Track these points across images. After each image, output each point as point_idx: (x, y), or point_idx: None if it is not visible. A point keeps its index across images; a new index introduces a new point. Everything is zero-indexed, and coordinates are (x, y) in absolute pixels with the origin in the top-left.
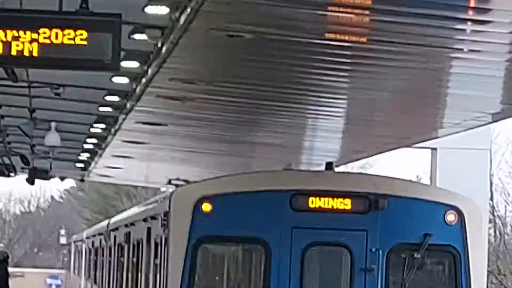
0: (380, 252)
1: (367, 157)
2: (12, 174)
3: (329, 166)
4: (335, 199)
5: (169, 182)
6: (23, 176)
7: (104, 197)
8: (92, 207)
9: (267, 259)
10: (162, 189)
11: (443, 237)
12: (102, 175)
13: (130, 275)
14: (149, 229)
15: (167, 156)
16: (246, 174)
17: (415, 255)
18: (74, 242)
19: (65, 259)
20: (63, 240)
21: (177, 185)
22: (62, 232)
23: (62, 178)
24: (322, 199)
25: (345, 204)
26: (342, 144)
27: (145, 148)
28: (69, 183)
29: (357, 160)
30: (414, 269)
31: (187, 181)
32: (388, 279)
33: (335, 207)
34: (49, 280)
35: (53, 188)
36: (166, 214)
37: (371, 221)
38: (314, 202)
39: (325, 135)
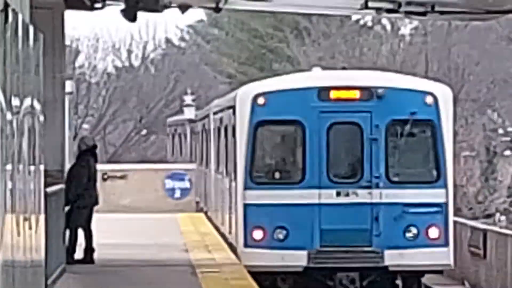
0: (381, 126)
1: None
2: (98, 4)
3: (343, 68)
4: (348, 91)
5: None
6: (116, 8)
7: (256, 36)
8: (236, 53)
9: (303, 134)
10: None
11: (424, 113)
12: None
13: (223, 153)
14: (229, 116)
15: None
16: (284, 76)
17: (405, 127)
18: (191, 122)
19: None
20: (189, 113)
21: None
22: (188, 98)
23: (183, 8)
24: (339, 91)
25: (355, 94)
26: None
27: None
28: (196, 15)
29: None
30: (405, 136)
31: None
32: (387, 144)
33: (348, 97)
34: (169, 182)
35: (168, 25)
36: (233, 106)
37: (374, 105)
38: (333, 94)
39: None
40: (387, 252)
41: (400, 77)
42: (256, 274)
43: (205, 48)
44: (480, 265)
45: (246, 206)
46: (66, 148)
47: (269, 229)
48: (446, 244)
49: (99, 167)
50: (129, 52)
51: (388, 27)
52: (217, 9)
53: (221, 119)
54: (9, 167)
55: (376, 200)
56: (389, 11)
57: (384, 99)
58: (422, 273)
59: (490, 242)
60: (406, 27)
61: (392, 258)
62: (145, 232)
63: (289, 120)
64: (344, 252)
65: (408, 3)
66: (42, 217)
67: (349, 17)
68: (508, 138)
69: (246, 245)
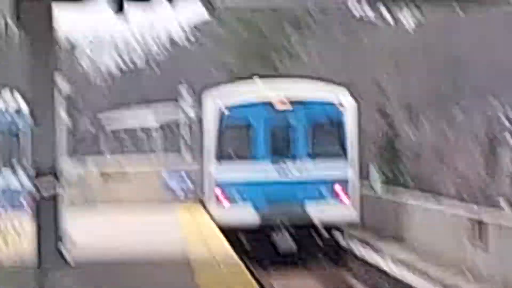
0: (307, 126)
1: None
2: None
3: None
4: (284, 105)
5: None
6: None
7: (257, 31)
8: (237, 47)
9: (252, 133)
10: None
11: (336, 117)
12: None
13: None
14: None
15: None
16: (242, 91)
17: (324, 126)
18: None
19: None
20: (187, 108)
21: None
22: (183, 90)
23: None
24: (278, 104)
25: (289, 105)
26: None
27: None
28: (199, 16)
29: None
30: (323, 133)
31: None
32: (313, 139)
33: (284, 108)
34: (170, 182)
35: (172, 25)
36: (204, 113)
37: (302, 112)
38: (275, 106)
39: None
40: (311, 210)
41: (321, 91)
42: (223, 229)
43: (209, 47)
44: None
45: (215, 180)
46: (62, 147)
47: (231, 195)
48: (351, 204)
49: (102, 168)
50: (132, 53)
51: (390, 20)
52: (211, 6)
53: (200, 123)
54: None
55: (303, 176)
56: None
57: (310, 107)
58: (339, 225)
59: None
60: (408, 20)
61: (315, 214)
62: (144, 231)
63: (244, 125)
64: (283, 214)
65: None
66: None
67: (350, 12)
68: (510, 126)
69: (215, 208)
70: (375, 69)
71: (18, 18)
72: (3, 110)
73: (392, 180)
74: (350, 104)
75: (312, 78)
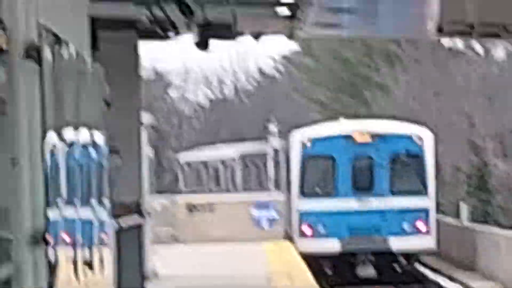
0: (387, 158)
1: None
2: (171, 33)
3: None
4: (363, 136)
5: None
6: (190, 37)
7: (347, 64)
8: (329, 81)
9: (334, 165)
10: None
11: (414, 150)
12: (325, 25)
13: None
14: (289, 153)
15: None
16: (322, 124)
17: (402, 158)
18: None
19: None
20: (273, 141)
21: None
22: (273, 127)
23: (256, 35)
24: (357, 137)
25: (368, 138)
26: None
27: None
28: (289, 46)
29: None
30: (403, 165)
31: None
32: (392, 170)
33: (364, 140)
34: (255, 212)
35: (260, 56)
36: (290, 147)
37: (381, 145)
38: (354, 138)
39: None
40: (391, 239)
41: (398, 124)
42: (306, 257)
43: (297, 77)
44: None
45: (299, 211)
46: (145, 179)
47: (314, 226)
48: (429, 233)
49: (187, 199)
50: (221, 83)
51: (481, 51)
52: (291, 37)
53: (287, 155)
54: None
55: (383, 206)
56: (461, 33)
57: (387, 140)
58: (416, 253)
59: None
60: (499, 51)
61: (394, 243)
62: (228, 263)
63: (326, 155)
64: (364, 243)
65: (481, 24)
66: (109, 251)
67: (440, 43)
68: None
69: (299, 236)
70: (466, 101)
71: (94, 49)
72: (78, 143)
73: (482, 217)
74: (428, 137)
75: (396, 119)
